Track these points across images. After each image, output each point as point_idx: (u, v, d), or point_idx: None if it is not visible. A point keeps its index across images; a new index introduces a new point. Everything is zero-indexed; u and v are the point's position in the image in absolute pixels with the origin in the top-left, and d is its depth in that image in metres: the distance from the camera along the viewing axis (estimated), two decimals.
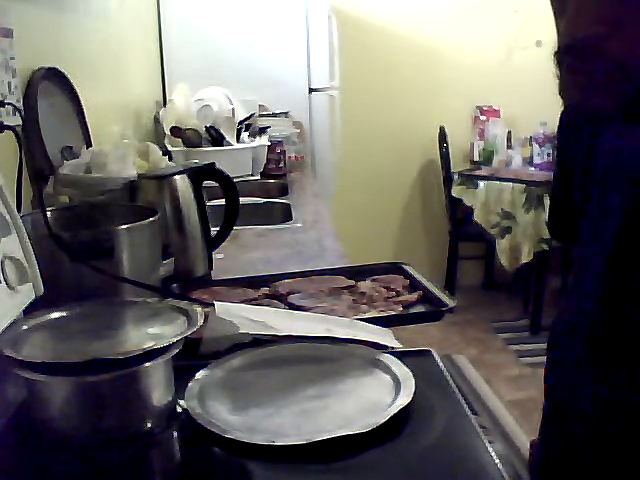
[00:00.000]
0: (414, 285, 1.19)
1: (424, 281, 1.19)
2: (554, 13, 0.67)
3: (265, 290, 1.20)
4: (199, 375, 0.87)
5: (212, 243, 1.35)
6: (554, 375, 0.84)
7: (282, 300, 1.15)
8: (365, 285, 1.19)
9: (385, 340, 0.96)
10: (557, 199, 0.95)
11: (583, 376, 0.76)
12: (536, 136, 3.88)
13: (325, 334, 0.93)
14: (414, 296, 1.13)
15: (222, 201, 1.39)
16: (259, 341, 0.94)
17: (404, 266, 1.28)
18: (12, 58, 1.30)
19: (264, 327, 0.93)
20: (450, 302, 1.09)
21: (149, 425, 0.78)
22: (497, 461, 0.70)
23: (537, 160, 3.87)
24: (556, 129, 0.89)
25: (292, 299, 1.14)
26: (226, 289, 1.21)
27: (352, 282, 1.21)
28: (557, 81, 0.65)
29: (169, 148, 2.38)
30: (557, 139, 0.92)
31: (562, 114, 0.88)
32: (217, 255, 1.39)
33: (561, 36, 0.63)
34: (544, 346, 0.86)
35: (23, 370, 0.73)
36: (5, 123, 1.12)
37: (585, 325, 0.75)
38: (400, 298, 1.13)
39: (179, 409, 0.81)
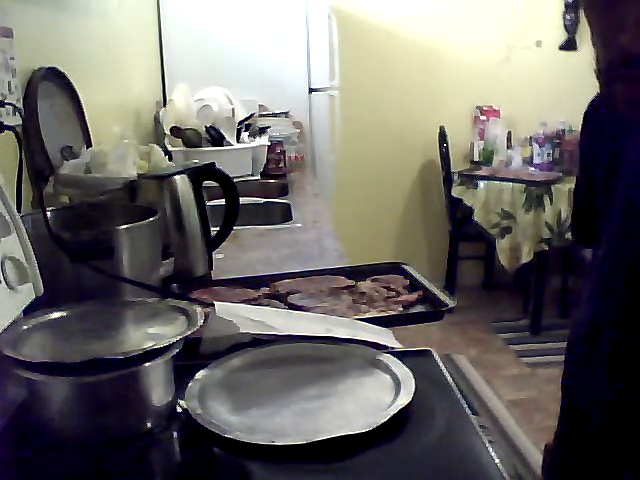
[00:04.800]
0: (414, 285, 1.19)
1: (424, 281, 1.19)
2: (592, 27, 0.66)
3: (265, 290, 1.20)
4: (199, 375, 0.87)
5: (212, 243, 1.35)
6: (570, 376, 0.84)
7: (282, 300, 1.15)
8: (365, 285, 1.19)
9: (385, 340, 0.96)
10: (579, 201, 0.95)
11: (596, 379, 0.76)
12: (536, 136, 3.88)
13: (325, 334, 0.94)
14: (414, 296, 1.13)
15: (222, 201, 1.39)
16: (259, 341, 0.94)
17: (404, 266, 1.28)
18: (12, 58, 1.30)
19: (264, 327, 0.93)
20: (450, 302, 1.09)
21: (149, 425, 0.78)
22: (497, 461, 0.70)
23: (537, 160, 3.87)
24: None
25: (292, 299, 1.14)
26: (226, 289, 1.21)
27: (352, 282, 1.21)
28: (603, 94, 0.64)
29: (169, 148, 2.38)
30: (580, 140, 0.91)
31: (585, 116, 0.88)
32: (217, 255, 1.39)
33: (615, 48, 0.62)
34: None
35: (23, 370, 0.73)
36: (5, 123, 1.12)
37: (602, 331, 0.75)
38: (400, 298, 1.13)
39: (179, 409, 0.81)
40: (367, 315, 1.06)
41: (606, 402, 0.75)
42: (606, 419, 0.75)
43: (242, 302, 1.12)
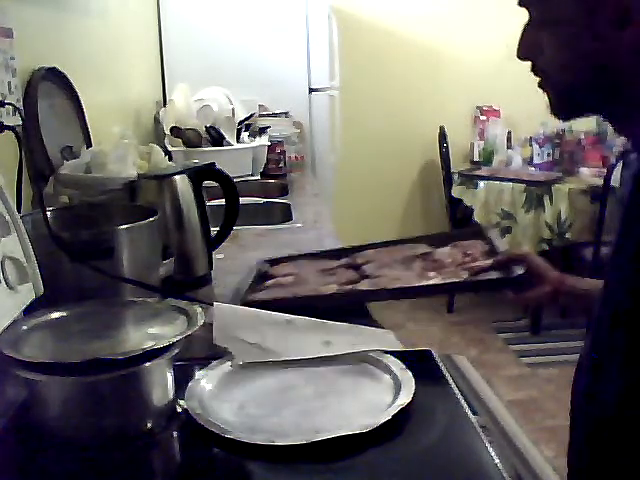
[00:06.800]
0: (493, 251, 1.19)
1: (504, 248, 1.20)
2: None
3: (345, 261, 1.26)
4: (199, 375, 0.87)
5: (212, 243, 1.35)
6: (574, 377, 0.84)
7: (357, 269, 1.20)
8: (442, 252, 1.20)
9: (385, 344, 0.95)
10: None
11: (590, 380, 0.76)
12: (536, 136, 3.88)
13: (324, 354, 0.92)
14: (487, 262, 1.13)
15: (222, 201, 1.39)
16: None
17: (486, 231, 1.30)
18: (12, 58, 1.30)
19: (260, 352, 0.92)
20: (517, 270, 1.09)
21: (149, 425, 0.78)
22: (497, 461, 0.71)
23: (537, 160, 3.87)
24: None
25: (365, 269, 1.19)
26: (307, 261, 1.29)
27: (429, 249, 1.23)
28: None
29: (169, 148, 2.38)
30: None
31: None
32: (217, 255, 1.39)
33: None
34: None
35: (23, 370, 0.73)
36: (5, 123, 1.12)
37: (601, 331, 0.76)
38: (472, 264, 1.13)
39: (179, 409, 0.81)
40: (431, 282, 1.10)
41: (594, 403, 0.75)
42: (597, 419, 0.75)
43: (319, 272, 1.20)
